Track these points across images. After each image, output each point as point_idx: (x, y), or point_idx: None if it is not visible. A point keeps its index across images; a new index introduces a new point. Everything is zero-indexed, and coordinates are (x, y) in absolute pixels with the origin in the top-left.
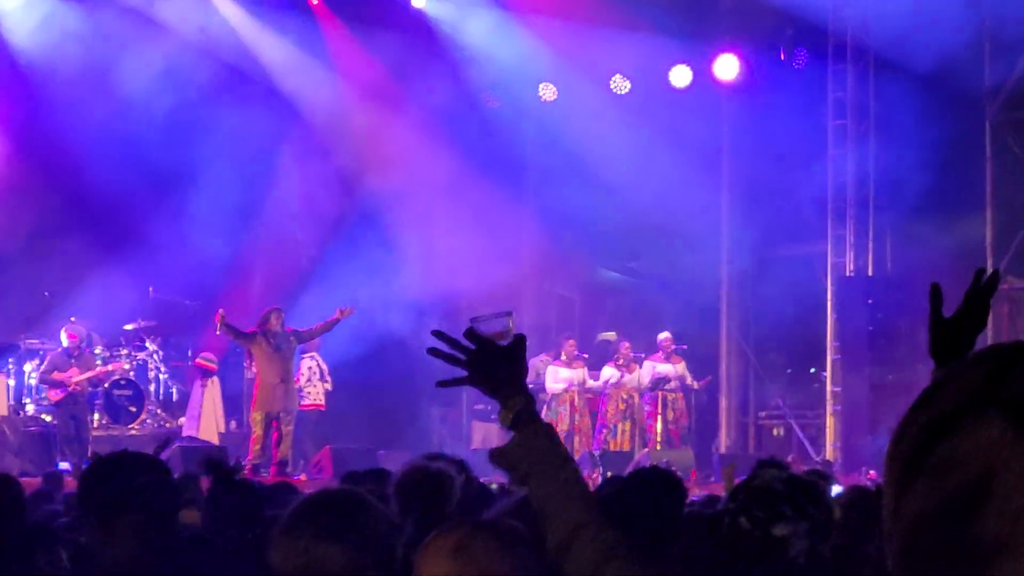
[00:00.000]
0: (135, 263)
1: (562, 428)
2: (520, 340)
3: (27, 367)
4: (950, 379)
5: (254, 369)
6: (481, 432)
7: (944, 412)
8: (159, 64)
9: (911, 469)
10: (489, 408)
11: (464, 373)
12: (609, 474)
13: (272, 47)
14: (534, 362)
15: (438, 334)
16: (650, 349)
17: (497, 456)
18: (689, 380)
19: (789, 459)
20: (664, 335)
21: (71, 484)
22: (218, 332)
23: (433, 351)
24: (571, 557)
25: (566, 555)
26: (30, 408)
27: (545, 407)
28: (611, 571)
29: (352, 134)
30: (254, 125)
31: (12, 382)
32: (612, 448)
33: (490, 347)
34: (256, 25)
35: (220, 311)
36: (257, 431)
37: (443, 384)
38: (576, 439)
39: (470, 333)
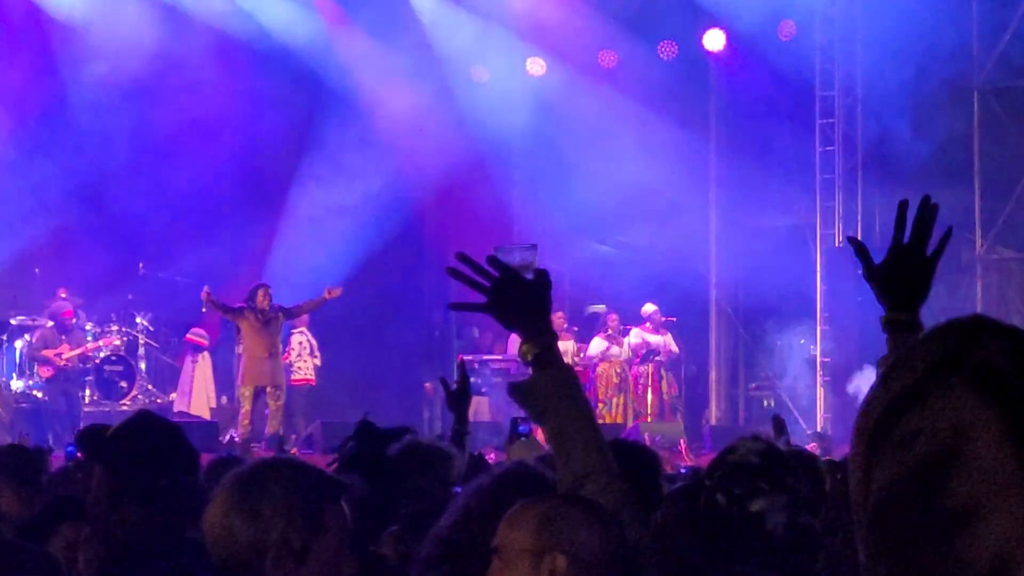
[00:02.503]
0: (125, 238)
1: None
2: (543, 274)
3: (17, 344)
4: (912, 353)
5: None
6: (472, 405)
7: (908, 384)
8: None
9: (878, 443)
10: (480, 381)
11: (481, 299)
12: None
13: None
14: (511, 338)
15: (461, 257)
16: (638, 322)
17: (516, 390)
18: (674, 348)
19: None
20: (651, 307)
21: (57, 460)
22: (204, 309)
23: (453, 271)
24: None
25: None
26: (20, 385)
27: None
28: (627, 516)
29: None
30: (246, 93)
31: (3, 358)
32: (608, 421)
33: (515, 277)
34: None
35: (206, 287)
36: (246, 406)
37: (456, 307)
38: None
39: (493, 260)
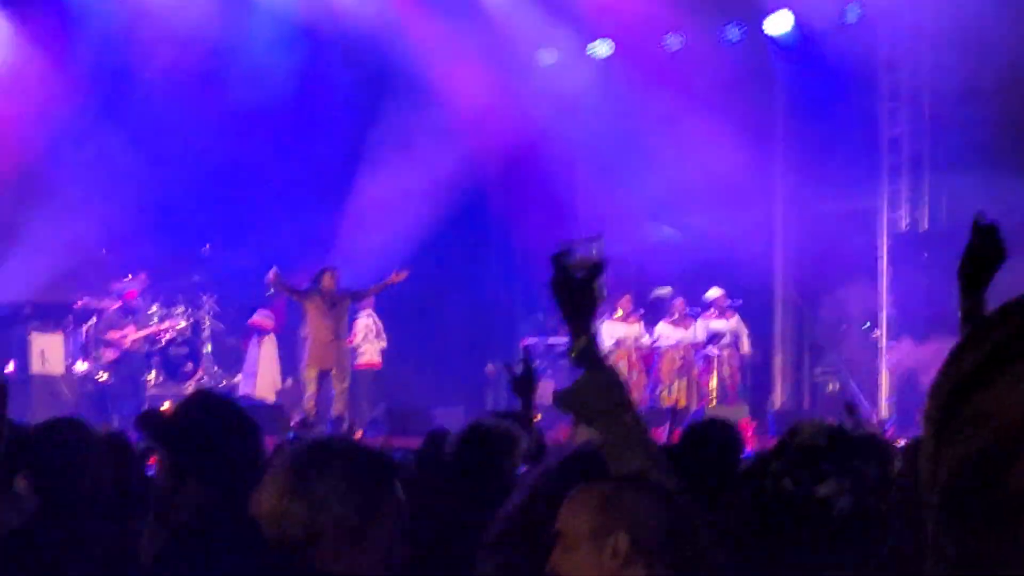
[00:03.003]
0: (191, 220)
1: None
2: (593, 269)
3: (83, 326)
4: (981, 333)
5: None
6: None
7: (977, 364)
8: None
9: (947, 424)
10: (544, 364)
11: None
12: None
13: None
14: None
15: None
16: (704, 305)
17: (560, 398)
18: (745, 345)
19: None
20: (717, 292)
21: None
22: (271, 291)
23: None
24: None
25: None
26: (85, 367)
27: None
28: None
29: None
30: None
31: (69, 340)
32: (667, 405)
33: (563, 275)
34: None
35: (273, 269)
36: (310, 388)
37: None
38: (633, 395)
39: (554, 257)
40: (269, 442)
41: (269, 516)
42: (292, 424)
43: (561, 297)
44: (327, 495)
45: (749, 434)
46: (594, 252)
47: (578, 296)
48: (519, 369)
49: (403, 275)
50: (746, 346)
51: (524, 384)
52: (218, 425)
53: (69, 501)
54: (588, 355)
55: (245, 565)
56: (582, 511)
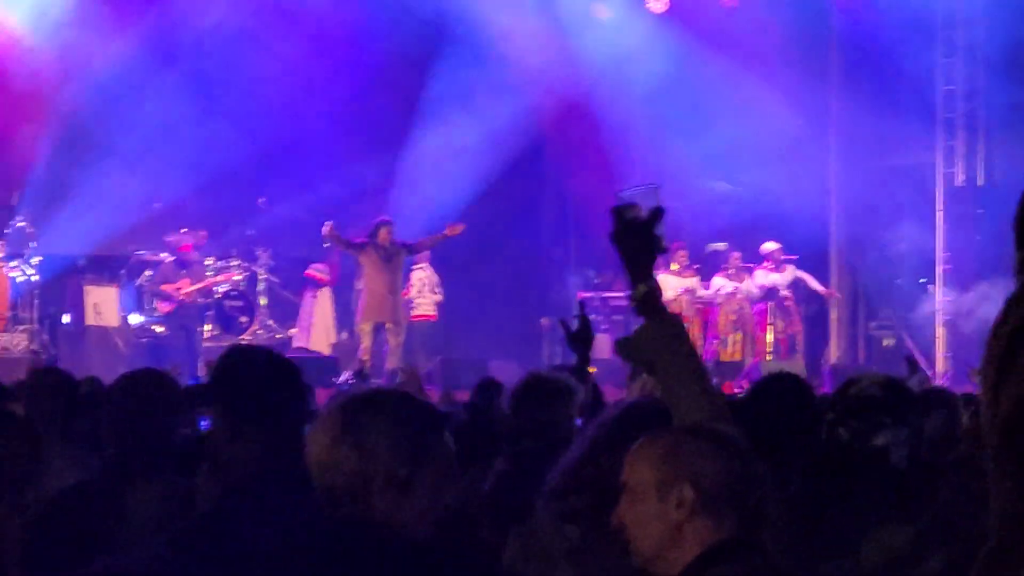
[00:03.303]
0: (245, 173)
1: None
2: (651, 216)
3: (138, 279)
4: None
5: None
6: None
7: None
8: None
9: (1005, 367)
10: (600, 318)
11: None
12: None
13: None
14: None
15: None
16: (760, 259)
17: (622, 345)
18: (814, 284)
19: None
20: (773, 245)
21: None
22: (327, 244)
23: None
24: None
25: None
26: (140, 320)
27: None
28: None
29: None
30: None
31: (123, 293)
32: (723, 359)
33: (623, 224)
34: None
35: (328, 223)
36: (366, 342)
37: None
38: None
39: (614, 209)
40: (323, 394)
41: (318, 464)
42: (344, 376)
43: (621, 245)
44: (375, 444)
45: None
46: (654, 200)
47: (638, 243)
48: (575, 323)
49: (459, 228)
50: (816, 284)
51: (581, 338)
52: (261, 375)
53: (142, 454)
54: (649, 303)
55: (297, 514)
56: (646, 463)
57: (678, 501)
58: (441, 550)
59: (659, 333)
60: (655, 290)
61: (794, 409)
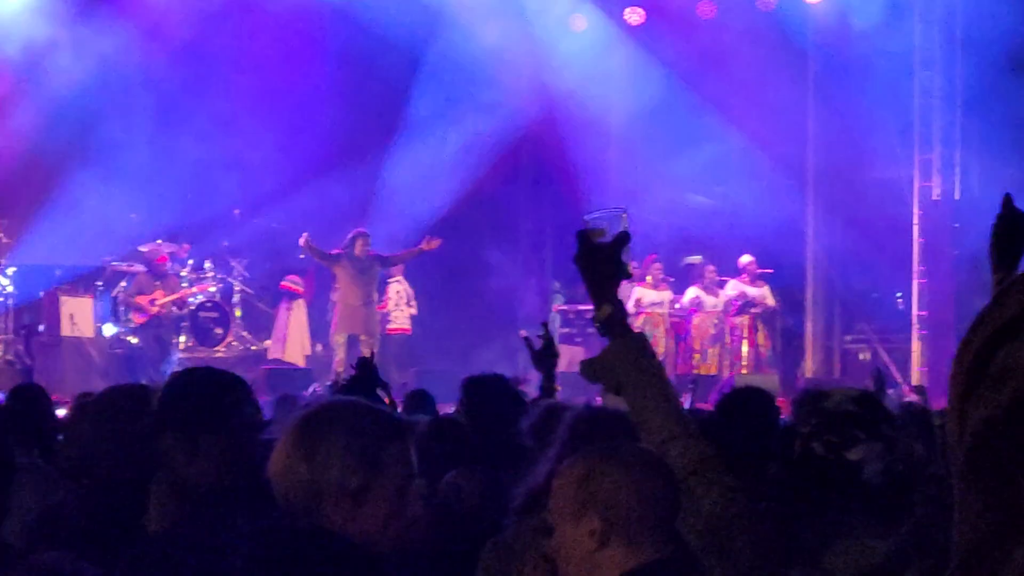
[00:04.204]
0: (220, 184)
1: (657, 351)
2: (616, 240)
3: (114, 290)
4: (1008, 291)
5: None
6: (567, 355)
7: (1003, 322)
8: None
9: (973, 381)
10: (575, 332)
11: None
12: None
13: None
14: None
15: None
16: (735, 272)
17: (587, 367)
18: (771, 300)
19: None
20: (748, 258)
21: None
22: (302, 255)
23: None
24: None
25: None
26: (114, 330)
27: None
28: (695, 482)
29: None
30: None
31: (98, 304)
32: (703, 372)
33: (586, 245)
34: None
35: (305, 234)
36: (340, 353)
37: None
38: (666, 362)
39: (580, 232)
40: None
41: (275, 476)
42: (312, 388)
43: (586, 268)
44: (327, 455)
45: (780, 402)
46: (620, 224)
47: (602, 267)
48: (539, 343)
49: (435, 243)
50: (772, 301)
51: (545, 356)
52: (208, 391)
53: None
54: (612, 323)
55: (255, 527)
56: (562, 490)
57: (589, 531)
58: (398, 563)
59: (624, 353)
60: (619, 310)
61: (760, 424)
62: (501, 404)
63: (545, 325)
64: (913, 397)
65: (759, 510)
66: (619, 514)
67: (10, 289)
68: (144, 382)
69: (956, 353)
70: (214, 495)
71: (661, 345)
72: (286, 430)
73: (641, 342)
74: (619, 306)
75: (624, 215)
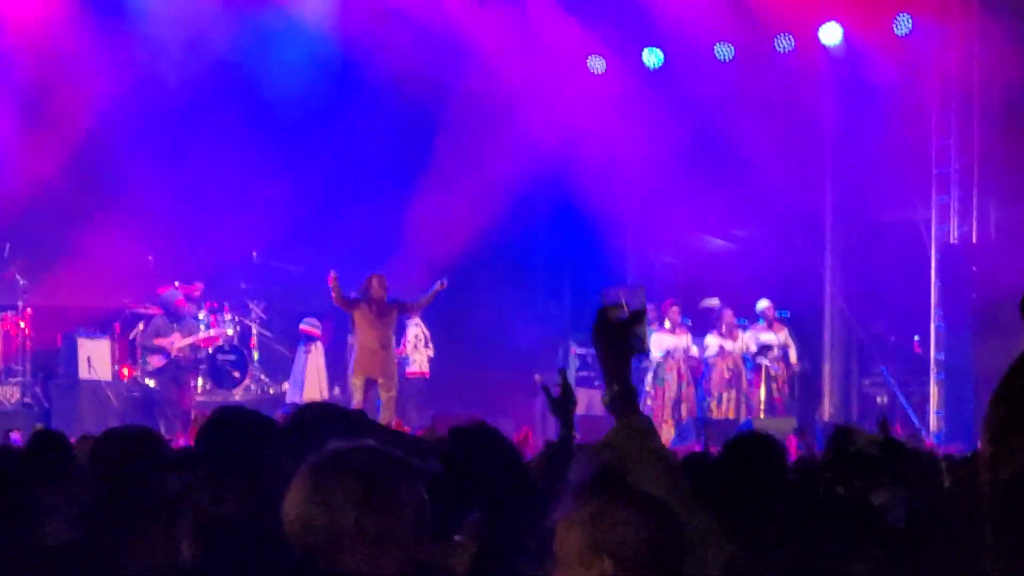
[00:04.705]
0: (239, 227)
1: (670, 395)
2: (632, 318)
3: (131, 333)
4: None
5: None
6: (585, 398)
7: None
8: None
9: (1006, 433)
10: (593, 375)
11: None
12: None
13: None
14: None
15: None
16: (753, 316)
17: (599, 450)
18: (793, 357)
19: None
20: (765, 303)
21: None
22: (334, 295)
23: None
24: None
25: None
26: (133, 373)
27: (651, 374)
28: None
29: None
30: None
31: (115, 347)
32: (716, 416)
33: (603, 322)
34: None
35: (333, 272)
36: (357, 396)
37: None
38: (683, 407)
39: (599, 310)
40: None
41: (291, 522)
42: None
43: (600, 343)
44: (344, 500)
45: (792, 450)
46: (638, 300)
47: (617, 344)
48: (556, 390)
49: (444, 284)
50: (794, 358)
51: (563, 404)
52: (245, 435)
53: (128, 509)
54: (620, 403)
55: (276, 572)
56: (570, 532)
57: (600, 572)
58: None
59: (628, 435)
60: (627, 392)
61: (765, 467)
62: (488, 452)
63: (563, 372)
64: (928, 442)
65: (768, 555)
66: (630, 557)
67: (27, 332)
68: (162, 425)
69: (989, 404)
70: (237, 538)
71: (673, 389)
72: (300, 476)
73: (646, 424)
74: (627, 387)
75: (642, 290)
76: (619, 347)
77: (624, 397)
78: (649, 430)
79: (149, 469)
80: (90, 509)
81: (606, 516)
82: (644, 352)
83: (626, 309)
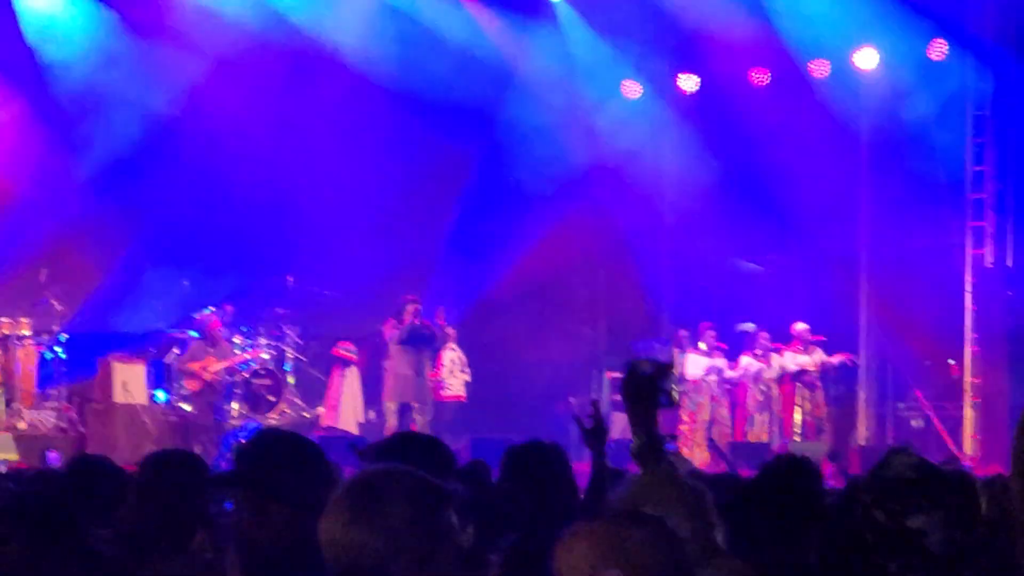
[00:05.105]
0: (272, 251)
1: (703, 418)
2: (659, 371)
3: (166, 357)
4: None
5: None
6: (620, 423)
7: None
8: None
9: None
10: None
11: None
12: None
13: None
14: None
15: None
16: (788, 339)
17: (626, 500)
18: (837, 359)
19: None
20: (801, 326)
21: None
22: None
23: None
24: None
25: None
26: (167, 398)
27: (685, 397)
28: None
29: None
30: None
31: (151, 370)
32: (750, 439)
33: (633, 374)
34: None
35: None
36: (391, 421)
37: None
38: (715, 429)
39: (628, 363)
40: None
41: (334, 544)
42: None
43: (628, 395)
44: (391, 521)
45: (827, 474)
46: (668, 355)
47: (644, 397)
48: (589, 422)
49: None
50: (838, 358)
51: (595, 435)
52: (286, 460)
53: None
54: (646, 454)
55: None
56: (577, 550)
57: None
58: None
59: (651, 484)
60: (654, 443)
61: (801, 491)
62: (546, 471)
63: (595, 403)
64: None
65: None
66: (640, 573)
67: (63, 355)
68: (197, 449)
69: (1016, 435)
70: (280, 561)
71: (706, 412)
72: (337, 497)
73: (670, 473)
74: (654, 438)
75: (670, 347)
76: (647, 400)
77: (650, 448)
78: (672, 477)
79: (192, 490)
80: (136, 528)
81: (618, 531)
82: (672, 406)
83: (653, 364)
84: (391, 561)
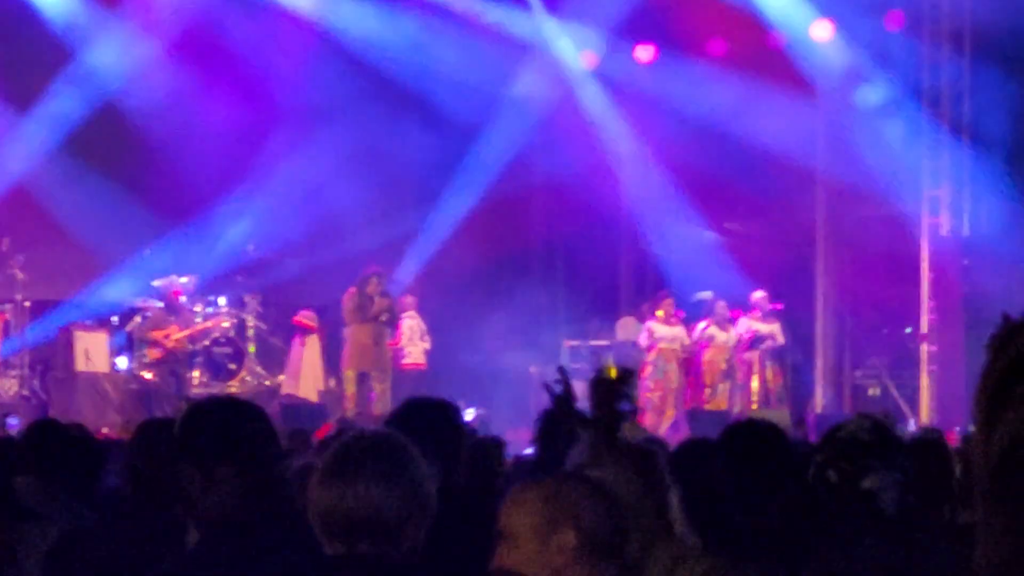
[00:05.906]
0: (233, 220)
1: (670, 387)
2: (621, 377)
3: (128, 325)
4: (1017, 330)
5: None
6: (580, 390)
7: (1019, 353)
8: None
9: (996, 407)
10: (586, 367)
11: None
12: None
13: None
14: (618, 324)
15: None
16: (745, 308)
17: (575, 461)
18: (780, 337)
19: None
20: (760, 294)
21: None
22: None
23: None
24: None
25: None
26: (129, 366)
27: (651, 367)
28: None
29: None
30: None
31: (113, 339)
32: (713, 407)
33: (598, 382)
34: None
35: None
36: (350, 389)
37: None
38: (677, 398)
39: (597, 370)
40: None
41: (314, 505)
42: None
43: (595, 401)
44: (368, 485)
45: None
46: (632, 362)
47: (610, 401)
48: (559, 388)
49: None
50: (782, 339)
51: (565, 403)
52: (228, 422)
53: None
54: (602, 452)
55: (288, 557)
56: (525, 507)
57: (559, 545)
58: None
59: (597, 444)
60: (610, 442)
61: (767, 454)
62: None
63: (562, 369)
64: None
65: (766, 542)
66: (592, 531)
67: (25, 325)
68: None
69: (980, 379)
70: (233, 524)
71: (674, 380)
72: (323, 460)
73: (618, 436)
74: (612, 440)
75: (637, 353)
76: (611, 405)
77: (607, 447)
78: (619, 440)
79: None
80: (117, 498)
81: (569, 492)
82: (632, 408)
83: (616, 371)
84: (362, 523)
